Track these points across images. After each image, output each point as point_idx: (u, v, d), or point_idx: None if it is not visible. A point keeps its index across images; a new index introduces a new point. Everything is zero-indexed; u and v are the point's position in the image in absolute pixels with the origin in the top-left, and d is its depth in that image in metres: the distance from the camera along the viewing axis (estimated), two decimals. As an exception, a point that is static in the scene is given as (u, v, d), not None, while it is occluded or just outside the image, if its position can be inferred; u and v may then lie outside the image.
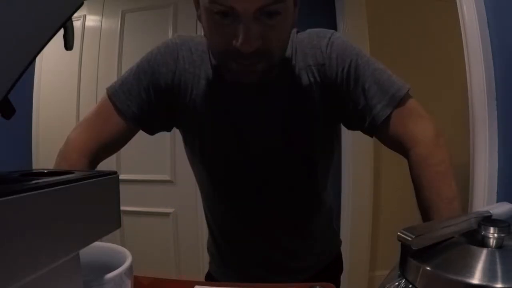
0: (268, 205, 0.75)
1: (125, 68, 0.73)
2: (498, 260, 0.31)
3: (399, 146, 0.63)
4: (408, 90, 0.63)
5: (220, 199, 0.79)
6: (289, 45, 0.66)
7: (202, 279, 0.92)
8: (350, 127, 0.71)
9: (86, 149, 0.66)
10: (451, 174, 0.58)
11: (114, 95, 0.68)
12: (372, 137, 0.67)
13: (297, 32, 0.71)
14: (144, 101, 0.68)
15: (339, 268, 0.93)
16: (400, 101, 0.62)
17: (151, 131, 0.73)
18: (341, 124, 0.76)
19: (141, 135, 0.73)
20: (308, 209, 0.78)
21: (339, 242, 0.94)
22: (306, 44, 0.68)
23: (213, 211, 0.82)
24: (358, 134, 0.70)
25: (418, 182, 0.59)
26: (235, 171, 0.73)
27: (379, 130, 0.64)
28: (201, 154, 0.73)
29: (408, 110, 0.63)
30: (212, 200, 0.81)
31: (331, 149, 0.76)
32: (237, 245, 0.82)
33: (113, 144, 0.70)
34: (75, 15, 0.33)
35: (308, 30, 0.70)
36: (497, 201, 0.98)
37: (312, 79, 0.67)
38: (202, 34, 0.64)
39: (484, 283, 0.28)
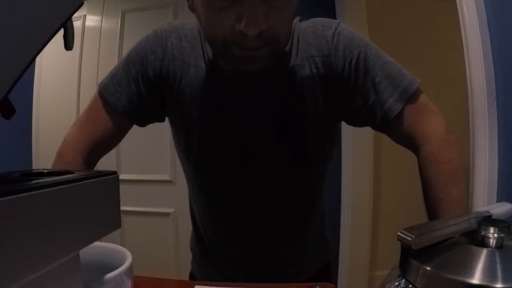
0: (257, 207, 0.70)
1: (125, 68, 0.72)
2: (498, 260, 0.31)
3: (410, 142, 0.61)
4: (419, 85, 0.61)
5: (205, 198, 0.74)
6: None
7: (202, 279, 0.92)
8: (356, 123, 0.67)
9: (80, 147, 0.65)
10: (460, 173, 0.57)
11: (105, 89, 0.67)
12: (383, 132, 0.64)
13: (300, 20, 0.67)
14: (133, 93, 0.66)
15: (327, 279, 0.85)
16: (411, 95, 0.60)
17: (142, 123, 0.71)
18: (341, 124, 0.73)
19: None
20: (301, 214, 0.73)
21: (329, 252, 0.87)
22: (309, 34, 0.64)
23: (199, 210, 0.77)
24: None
25: (427, 179, 0.57)
26: (222, 166, 0.68)
27: (390, 125, 0.61)
28: (185, 146, 0.70)
29: (421, 105, 0.61)
30: (198, 199, 0.75)
31: (331, 148, 0.71)
32: (222, 247, 0.76)
33: (107, 140, 0.68)
34: (75, 15, 0.33)
35: (312, 19, 0.66)
36: (497, 201, 0.98)
37: (314, 70, 0.62)
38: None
39: (484, 283, 0.28)
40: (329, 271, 0.85)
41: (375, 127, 0.64)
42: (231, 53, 0.55)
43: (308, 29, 0.64)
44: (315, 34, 0.63)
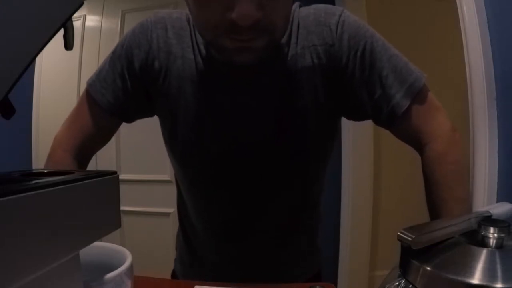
0: (254, 204, 0.67)
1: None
2: (498, 260, 0.31)
3: (415, 140, 0.60)
4: (425, 80, 0.59)
5: (199, 194, 0.70)
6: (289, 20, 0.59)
7: (202, 279, 0.91)
8: (357, 118, 0.65)
9: (69, 145, 0.64)
10: (466, 173, 0.56)
11: (91, 86, 0.65)
12: (387, 129, 0.62)
13: (300, 6, 0.63)
14: (119, 88, 0.64)
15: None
16: (418, 92, 0.58)
17: (128, 119, 0.68)
18: (341, 122, 0.70)
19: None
20: (300, 210, 0.71)
21: (319, 260, 0.82)
22: (311, 21, 0.60)
23: (191, 207, 0.72)
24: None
25: (432, 179, 0.56)
26: (215, 162, 0.64)
27: (396, 122, 0.59)
28: (170, 136, 0.66)
29: (428, 102, 0.59)
30: (192, 195, 0.71)
31: (331, 145, 0.69)
32: (215, 246, 0.72)
33: (96, 138, 0.67)
34: (75, 15, 0.33)
35: (313, 6, 0.62)
36: (497, 201, 0.98)
37: (316, 60, 0.59)
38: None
39: (484, 283, 0.28)
40: (319, 280, 0.80)
41: (380, 123, 0.62)
42: (223, 44, 0.50)
43: (310, 16, 0.61)
44: (317, 22, 0.60)
